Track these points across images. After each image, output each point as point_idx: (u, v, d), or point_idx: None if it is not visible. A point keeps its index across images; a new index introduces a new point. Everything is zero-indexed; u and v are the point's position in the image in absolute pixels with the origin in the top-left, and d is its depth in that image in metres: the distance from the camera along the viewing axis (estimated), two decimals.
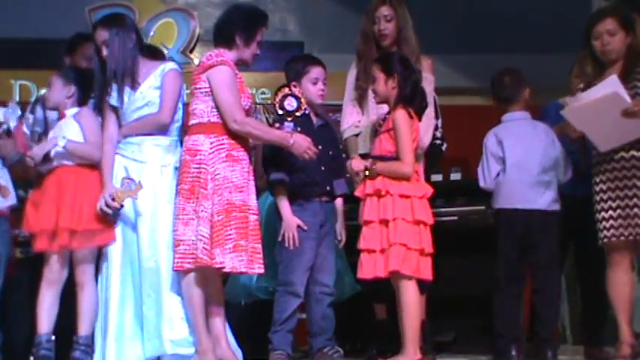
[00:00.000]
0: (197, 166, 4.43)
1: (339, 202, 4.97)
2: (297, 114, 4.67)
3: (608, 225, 4.55)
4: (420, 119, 4.65)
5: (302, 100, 4.66)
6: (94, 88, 4.71)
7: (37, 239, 4.56)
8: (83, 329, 4.61)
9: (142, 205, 4.56)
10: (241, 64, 4.63)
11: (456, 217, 5.78)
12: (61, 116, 4.75)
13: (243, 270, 4.41)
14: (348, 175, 4.88)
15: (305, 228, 4.73)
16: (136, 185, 4.52)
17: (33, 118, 5.11)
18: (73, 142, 4.62)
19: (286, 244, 4.72)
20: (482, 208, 5.05)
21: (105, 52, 4.62)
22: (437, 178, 5.52)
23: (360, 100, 5.02)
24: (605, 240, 4.56)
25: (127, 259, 4.59)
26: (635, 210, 4.49)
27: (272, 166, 4.82)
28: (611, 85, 4.45)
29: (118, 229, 4.60)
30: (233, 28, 4.56)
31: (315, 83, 4.85)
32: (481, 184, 4.93)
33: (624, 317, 4.56)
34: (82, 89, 4.76)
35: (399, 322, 4.49)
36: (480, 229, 5.27)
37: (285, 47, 7.44)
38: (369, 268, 4.48)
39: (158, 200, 4.56)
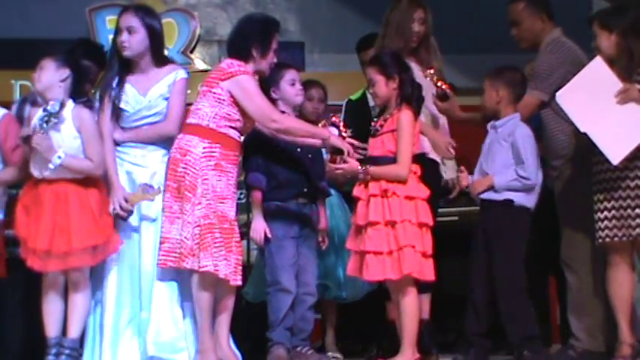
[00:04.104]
0: (184, 166, 4.43)
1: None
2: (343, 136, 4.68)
3: (603, 225, 4.55)
4: (416, 118, 4.61)
5: (341, 127, 4.66)
6: (105, 76, 4.66)
7: (32, 258, 4.39)
8: (72, 332, 4.49)
9: (145, 210, 4.57)
10: (259, 74, 4.65)
11: (456, 217, 5.79)
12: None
13: (229, 279, 4.40)
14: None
15: (269, 236, 4.77)
16: (154, 190, 4.48)
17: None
18: (71, 158, 4.39)
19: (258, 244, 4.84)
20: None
21: (125, 36, 4.55)
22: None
23: None
24: (601, 240, 4.57)
25: (126, 262, 4.57)
26: (629, 211, 4.49)
27: (251, 167, 4.86)
28: (596, 63, 4.50)
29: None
30: (249, 41, 4.56)
31: (292, 84, 4.92)
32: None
33: (624, 317, 4.55)
34: (76, 78, 4.52)
35: (398, 323, 4.51)
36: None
37: (286, 47, 7.39)
38: (378, 270, 4.46)
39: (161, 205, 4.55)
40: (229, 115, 4.49)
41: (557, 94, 4.58)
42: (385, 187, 4.47)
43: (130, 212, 4.52)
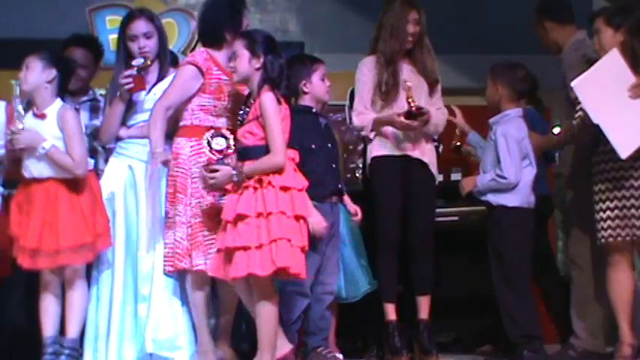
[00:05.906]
0: (176, 169, 4.44)
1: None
2: (229, 151, 4.30)
3: (605, 225, 4.55)
4: (279, 102, 4.25)
5: (230, 139, 4.28)
6: (113, 79, 4.69)
7: (22, 255, 4.40)
8: (71, 331, 4.50)
9: (143, 206, 4.58)
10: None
11: (456, 217, 5.79)
12: (38, 115, 4.46)
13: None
14: None
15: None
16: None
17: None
18: (55, 150, 4.39)
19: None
20: (483, 208, 5.04)
21: (143, 42, 4.63)
22: (437, 178, 5.52)
23: (386, 99, 4.98)
24: (603, 240, 4.57)
25: (130, 258, 4.60)
26: (632, 210, 4.49)
27: None
28: (612, 55, 4.50)
29: (122, 229, 4.60)
30: (221, 27, 4.52)
31: (323, 80, 4.89)
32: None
33: (624, 317, 4.56)
34: (62, 77, 4.53)
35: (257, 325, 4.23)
36: (480, 229, 5.27)
37: (286, 47, 7.42)
38: (243, 265, 4.09)
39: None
40: (204, 105, 4.47)
41: (573, 83, 4.55)
42: (260, 177, 4.15)
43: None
